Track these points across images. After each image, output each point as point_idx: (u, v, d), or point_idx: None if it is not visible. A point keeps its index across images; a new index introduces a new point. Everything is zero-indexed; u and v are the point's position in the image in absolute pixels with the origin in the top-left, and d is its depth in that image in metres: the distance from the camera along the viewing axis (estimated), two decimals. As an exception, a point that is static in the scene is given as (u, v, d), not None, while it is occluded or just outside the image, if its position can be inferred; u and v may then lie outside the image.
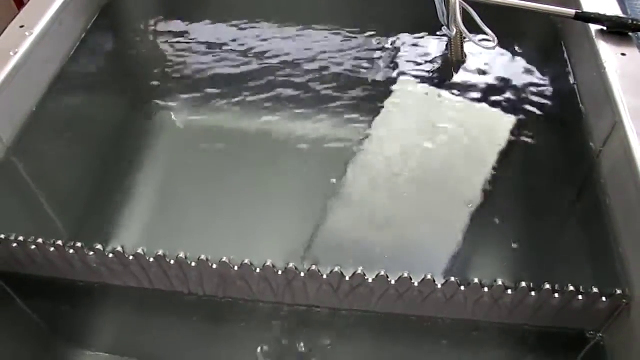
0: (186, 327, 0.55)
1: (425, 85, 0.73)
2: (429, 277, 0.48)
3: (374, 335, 0.53)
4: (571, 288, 0.47)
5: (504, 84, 0.72)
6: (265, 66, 0.76)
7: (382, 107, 0.70)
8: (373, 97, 0.71)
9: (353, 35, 0.80)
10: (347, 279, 0.49)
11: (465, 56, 0.75)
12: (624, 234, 0.52)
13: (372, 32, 0.80)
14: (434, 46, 0.77)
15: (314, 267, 0.49)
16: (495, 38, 0.69)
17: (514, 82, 0.72)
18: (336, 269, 0.48)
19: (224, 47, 0.79)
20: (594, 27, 0.65)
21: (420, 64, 0.75)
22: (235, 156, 0.67)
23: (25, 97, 0.64)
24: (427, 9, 0.72)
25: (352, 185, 0.62)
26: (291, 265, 0.49)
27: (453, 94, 0.71)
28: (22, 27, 0.65)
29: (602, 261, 0.53)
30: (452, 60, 0.75)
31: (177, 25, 0.83)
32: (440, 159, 0.65)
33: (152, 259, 0.50)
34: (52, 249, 0.51)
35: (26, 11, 0.68)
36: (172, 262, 0.50)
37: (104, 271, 0.53)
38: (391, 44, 0.78)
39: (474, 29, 0.69)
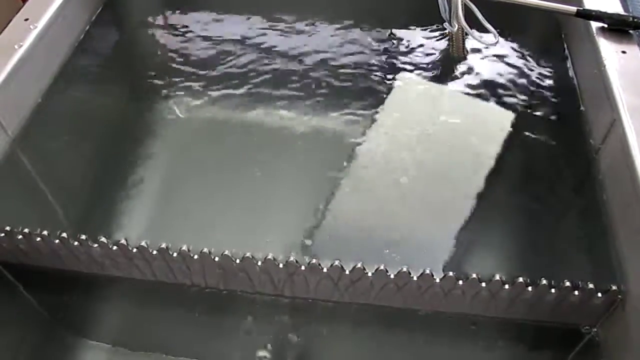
0: (188, 318, 0.56)
1: (426, 81, 0.73)
2: (427, 271, 0.48)
3: (373, 328, 0.54)
4: (567, 284, 0.48)
5: (505, 80, 0.72)
6: (268, 60, 0.77)
7: (383, 102, 0.71)
8: (374, 92, 0.72)
9: (354, 30, 0.80)
10: (347, 272, 0.49)
11: (467, 52, 0.75)
12: (620, 231, 0.52)
13: (373, 27, 0.80)
14: (435, 42, 0.77)
15: (314, 261, 0.49)
16: (497, 34, 0.70)
17: (515, 78, 0.72)
18: (336, 263, 0.49)
19: (227, 40, 0.79)
20: (594, 25, 0.65)
21: (422, 60, 0.75)
22: (237, 149, 0.67)
23: (29, 89, 0.65)
24: (429, 4, 0.72)
25: (352, 179, 0.63)
26: (292, 258, 0.50)
27: (454, 89, 0.72)
28: (26, 20, 0.65)
29: (598, 257, 0.54)
30: (453, 56, 0.75)
31: (179, 18, 0.83)
32: (440, 154, 0.65)
33: (155, 252, 0.51)
34: (56, 240, 0.52)
35: (30, 4, 0.68)
36: (175, 254, 0.51)
37: (108, 263, 0.54)
38: (393, 39, 0.78)
39: (476, 25, 0.70)
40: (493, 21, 0.69)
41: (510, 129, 0.68)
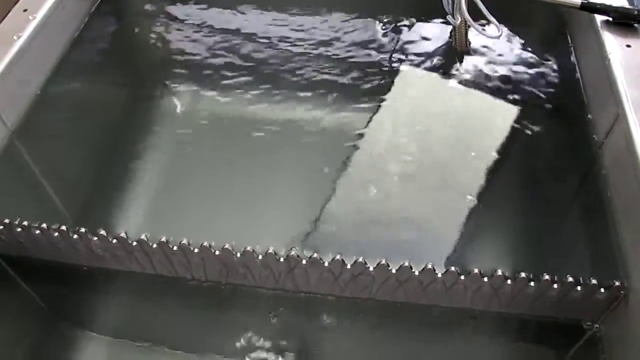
0: (189, 312, 0.55)
1: (429, 74, 0.72)
2: (429, 266, 0.48)
3: (374, 323, 0.54)
4: (570, 279, 0.47)
5: (508, 74, 0.72)
6: (270, 52, 0.76)
7: (385, 95, 0.70)
8: (376, 84, 0.71)
9: (356, 22, 0.79)
10: (349, 267, 0.49)
11: (469, 45, 0.75)
12: (623, 226, 0.52)
13: (376, 19, 0.79)
14: (438, 34, 0.77)
15: (315, 255, 0.49)
16: (500, 27, 0.69)
17: (518, 72, 0.72)
18: (337, 257, 0.49)
19: (227, 33, 0.79)
20: (599, 18, 0.64)
21: (424, 53, 0.75)
22: (238, 142, 0.67)
23: (28, 81, 0.64)
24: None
25: (353, 173, 0.63)
26: (293, 252, 0.49)
27: (456, 83, 0.71)
28: (25, 10, 0.65)
29: (602, 252, 0.54)
30: (456, 48, 0.75)
31: (179, 9, 0.82)
32: (442, 148, 0.65)
33: (155, 245, 0.50)
34: (56, 233, 0.51)
35: (29, -5, 0.67)
36: (175, 248, 0.50)
37: (108, 256, 0.53)
38: (395, 32, 0.78)
39: (479, 17, 0.69)
40: (496, 14, 0.68)
41: (513, 123, 0.67)
